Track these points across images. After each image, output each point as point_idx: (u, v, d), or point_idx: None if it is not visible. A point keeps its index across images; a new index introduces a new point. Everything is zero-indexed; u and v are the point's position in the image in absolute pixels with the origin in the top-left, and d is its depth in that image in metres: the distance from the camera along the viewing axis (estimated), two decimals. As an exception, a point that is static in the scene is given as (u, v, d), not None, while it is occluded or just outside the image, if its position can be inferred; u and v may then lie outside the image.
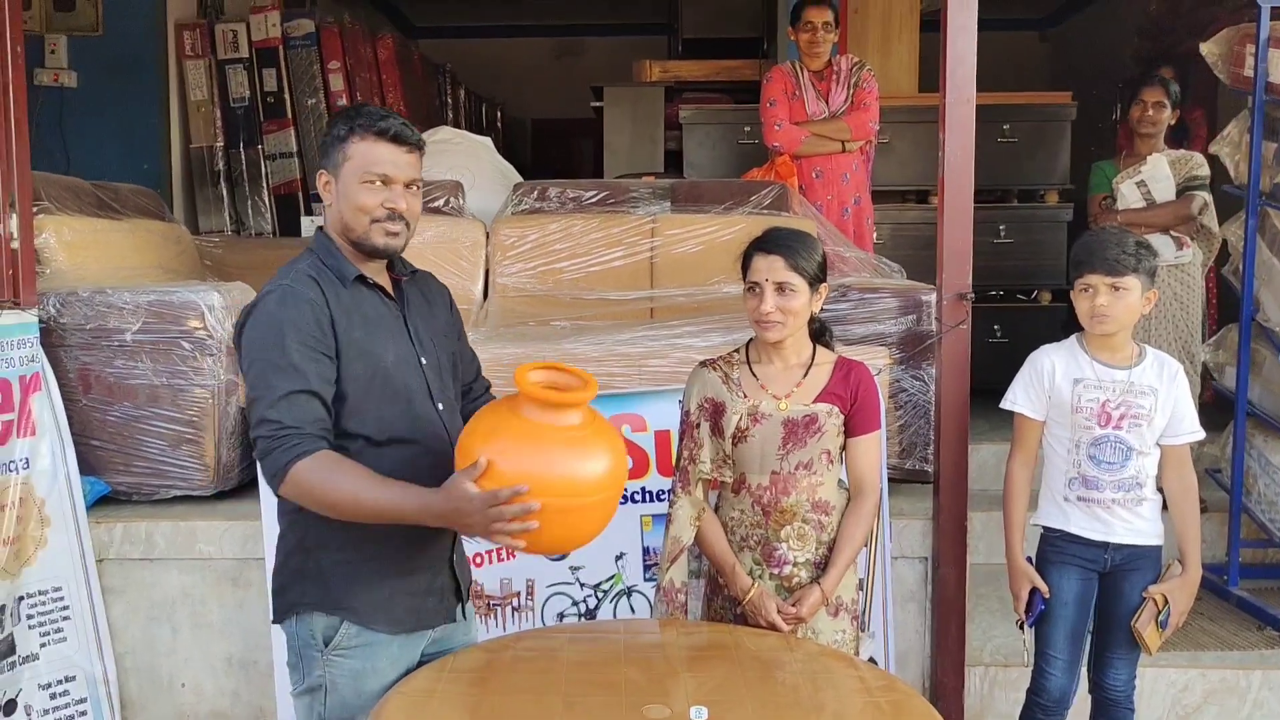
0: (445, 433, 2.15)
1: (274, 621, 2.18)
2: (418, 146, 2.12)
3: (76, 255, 3.90)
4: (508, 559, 3.22)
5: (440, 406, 2.17)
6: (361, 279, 2.11)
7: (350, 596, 2.08)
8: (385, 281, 2.18)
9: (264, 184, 6.78)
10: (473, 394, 2.40)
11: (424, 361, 2.16)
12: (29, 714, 3.14)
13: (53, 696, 3.18)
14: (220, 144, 6.72)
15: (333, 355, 2.02)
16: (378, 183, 2.06)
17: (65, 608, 3.23)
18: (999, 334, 5.44)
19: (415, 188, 2.13)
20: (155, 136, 6.49)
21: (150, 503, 3.49)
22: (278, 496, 2.01)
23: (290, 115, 6.80)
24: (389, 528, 2.01)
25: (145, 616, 3.39)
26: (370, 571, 2.09)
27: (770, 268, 2.40)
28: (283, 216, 6.78)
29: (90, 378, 3.46)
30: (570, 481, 1.91)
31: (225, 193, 6.74)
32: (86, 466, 3.41)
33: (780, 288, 2.39)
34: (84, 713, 3.23)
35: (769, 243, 2.43)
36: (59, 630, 3.21)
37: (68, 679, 3.22)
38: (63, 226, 3.90)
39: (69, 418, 3.35)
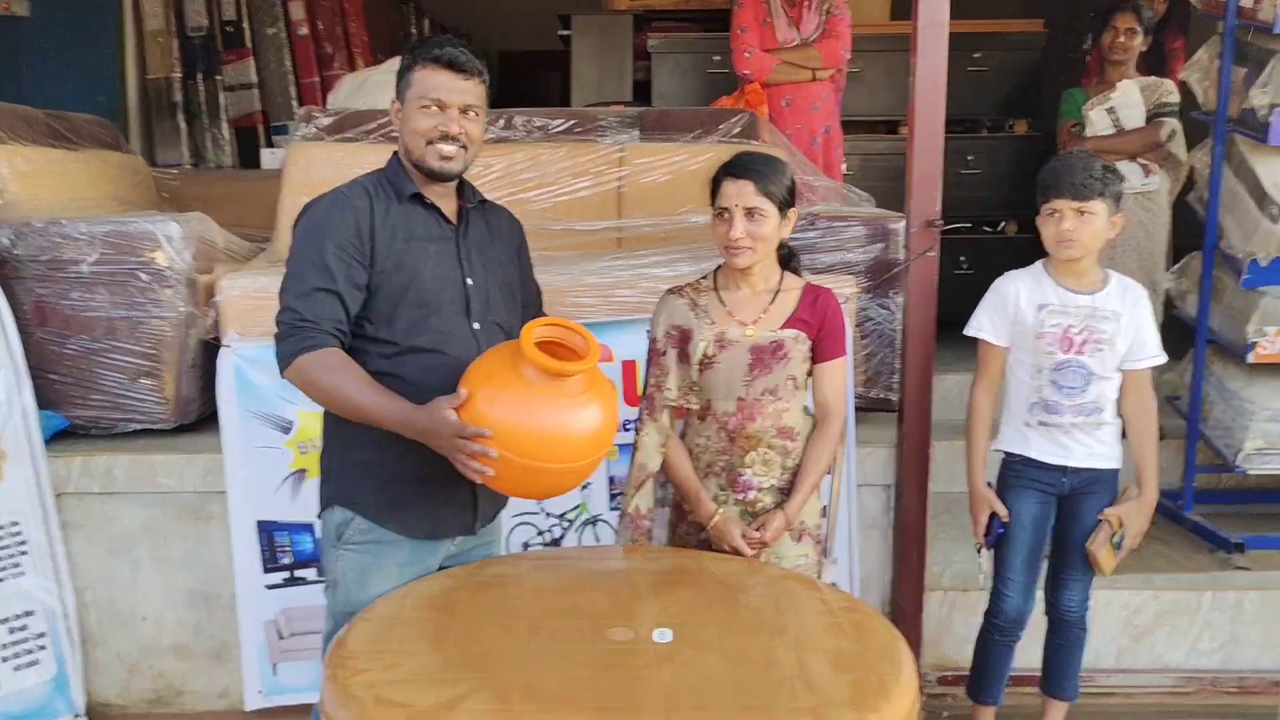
0: (477, 350, 2.21)
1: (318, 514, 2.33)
2: (475, 73, 2.21)
3: (30, 185, 3.81)
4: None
5: (476, 325, 2.24)
6: (418, 197, 2.23)
7: (362, 492, 2.22)
8: (449, 205, 2.29)
9: (223, 116, 6.64)
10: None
11: (469, 281, 2.25)
12: (-9, 647, 3.13)
13: (11, 631, 3.16)
14: (177, 75, 6.56)
15: (366, 262, 2.15)
16: (433, 107, 2.18)
17: (23, 542, 3.20)
18: (965, 265, 5.43)
19: (473, 113, 2.22)
20: (110, 67, 6.33)
21: (109, 436, 3.45)
22: (281, 376, 2.15)
23: (250, 45, 6.65)
24: (389, 438, 2.11)
25: (105, 550, 3.36)
26: (386, 473, 2.20)
27: (740, 193, 2.37)
28: (243, 149, 6.66)
29: (46, 310, 3.39)
30: (539, 445, 1.99)
31: (183, 125, 6.59)
32: (44, 400, 3.35)
33: (750, 213, 2.37)
34: (43, 646, 3.22)
35: (738, 167, 2.40)
36: (17, 565, 3.18)
37: (26, 613, 3.20)
38: (15, 156, 3.80)
39: (25, 351, 3.29)
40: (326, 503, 2.28)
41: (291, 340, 2.10)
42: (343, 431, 2.21)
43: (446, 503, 2.25)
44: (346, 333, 2.15)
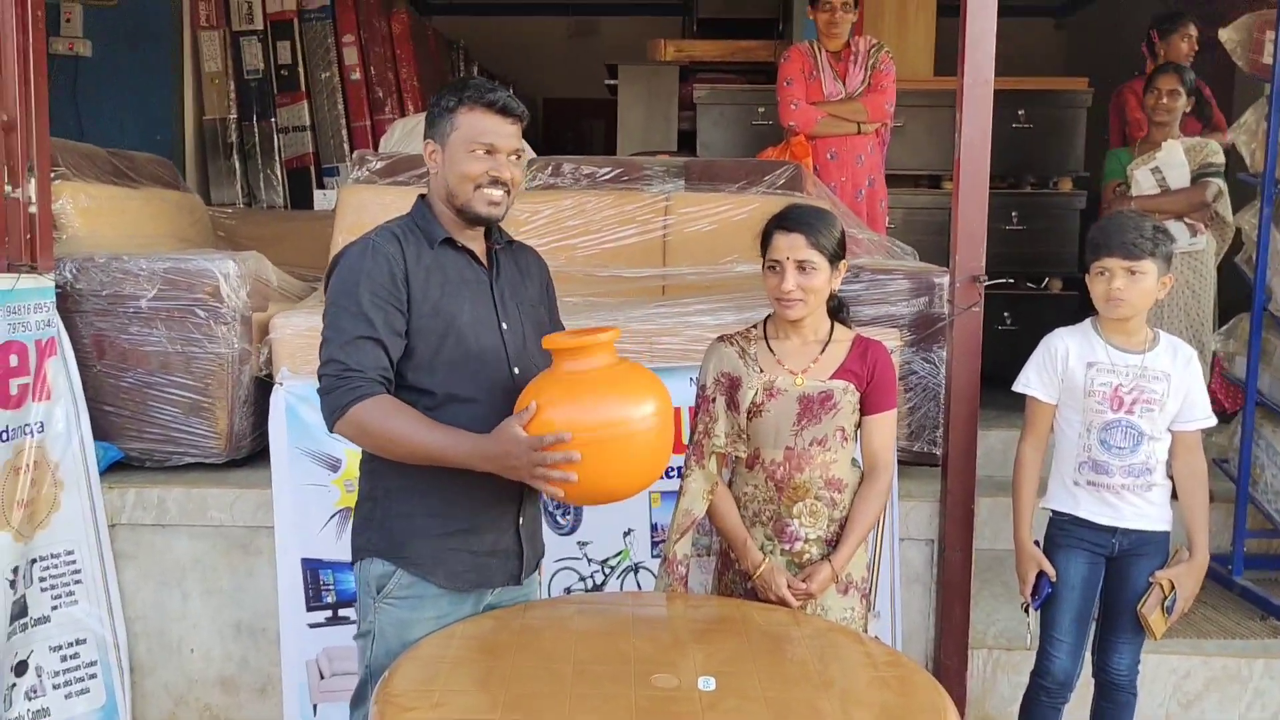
0: (517, 395, 2.20)
1: (351, 564, 2.30)
2: (521, 118, 2.21)
3: (92, 221, 3.92)
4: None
5: (516, 370, 2.23)
6: (449, 242, 2.20)
7: (408, 546, 2.18)
8: (479, 248, 2.26)
9: (276, 157, 6.78)
10: None
11: (504, 326, 2.24)
12: (40, 675, 3.18)
13: (64, 659, 3.21)
14: (233, 116, 6.73)
15: (403, 309, 2.12)
16: (482, 151, 2.15)
17: (77, 571, 3.26)
18: (1009, 321, 5.43)
19: (518, 157, 2.21)
20: (168, 107, 6.50)
21: (163, 469, 3.52)
22: (331, 431, 2.12)
23: (304, 88, 6.81)
24: (455, 486, 2.12)
25: (156, 581, 3.41)
26: (433, 526, 2.18)
27: (791, 246, 2.40)
28: (295, 190, 6.79)
29: (105, 343, 3.48)
30: (610, 416, 2.01)
31: (238, 165, 6.75)
32: (100, 432, 3.43)
33: (801, 266, 2.40)
34: (94, 675, 3.26)
35: (790, 220, 2.43)
36: (70, 593, 3.24)
37: (78, 641, 3.25)
38: (79, 193, 3.92)
39: (83, 383, 3.37)
40: (364, 553, 2.23)
41: (341, 391, 2.06)
42: (386, 482, 2.18)
43: (492, 553, 2.23)
44: (391, 380, 2.12)
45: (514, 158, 2.20)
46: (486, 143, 2.15)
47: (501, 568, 2.26)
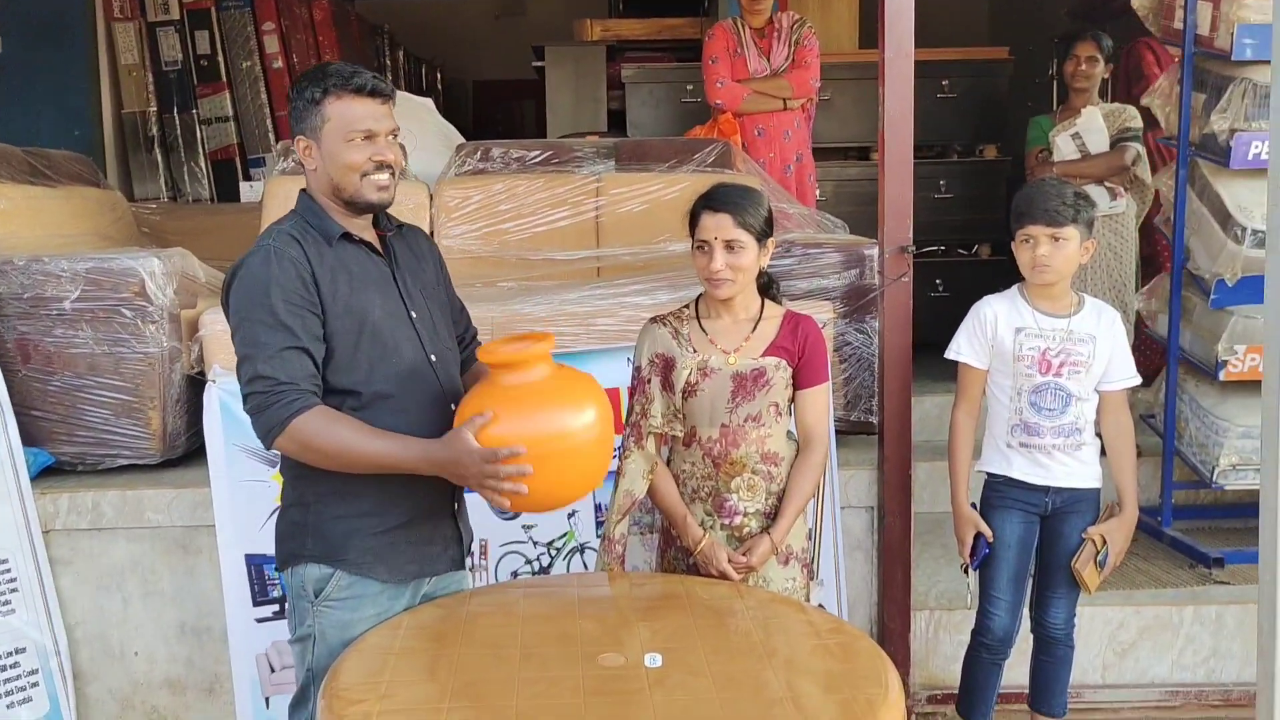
0: (439, 384, 2.21)
1: (276, 570, 2.27)
2: (391, 97, 2.15)
3: (10, 223, 3.83)
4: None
5: (433, 358, 2.22)
6: (347, 236, 2.15)
7: (347, 548, 2.14)
8: (372, 238, 2.22)
9: (200, 149, 6.67)
10: (464, 342, 2.44)
11: (413, 315, 2.21)
12: (-21, 687, 3.12)
13: (3, 669, 3.14)
14: (153, 109, 6.59)
15: (318, 312, 2.07)
16: (361, 138, 2.10)
17: (12, 580, 3.20)
18: (941, 288, 5.52)
19: (394, 137, 2.16)
20: (85, 102, 6.34)
21: (96, 472, 3.45)
22: (269, 448, 2.07)
23: (225, 78, 6.68)
24: (392, 483, 2.10)
25: (95, 586, 3.36)
26: (372, 524, 2.15)
27: (719, 226, 2.42)
28: (220, 182, 6.67)
29: (29, 347, 3.39)
30: (558, 428, 2.02)
31: (160, 159, 6.61)
32: (29, 437, 3.35)
33: (729, 245, 2.42)
34: (36, 684, 3.20)
35: (716, 200, 2.45)
36: (7, 603, 3.18)
37: (18, 651, 3.19)
38: (-6, 194, 3.81)
39: (9, 388, 3.30)
40: (297, 559, 2.16)
41: (276, 408, 2.00)
42: (317, 487, 2.13)
43: (431, 541, 2.23)
44: (320, 387, 2.07)
45: (391, 138, 2.15)
46: (364, 129, 2.10)
47: (442, 554, 2.27)
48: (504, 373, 2.07)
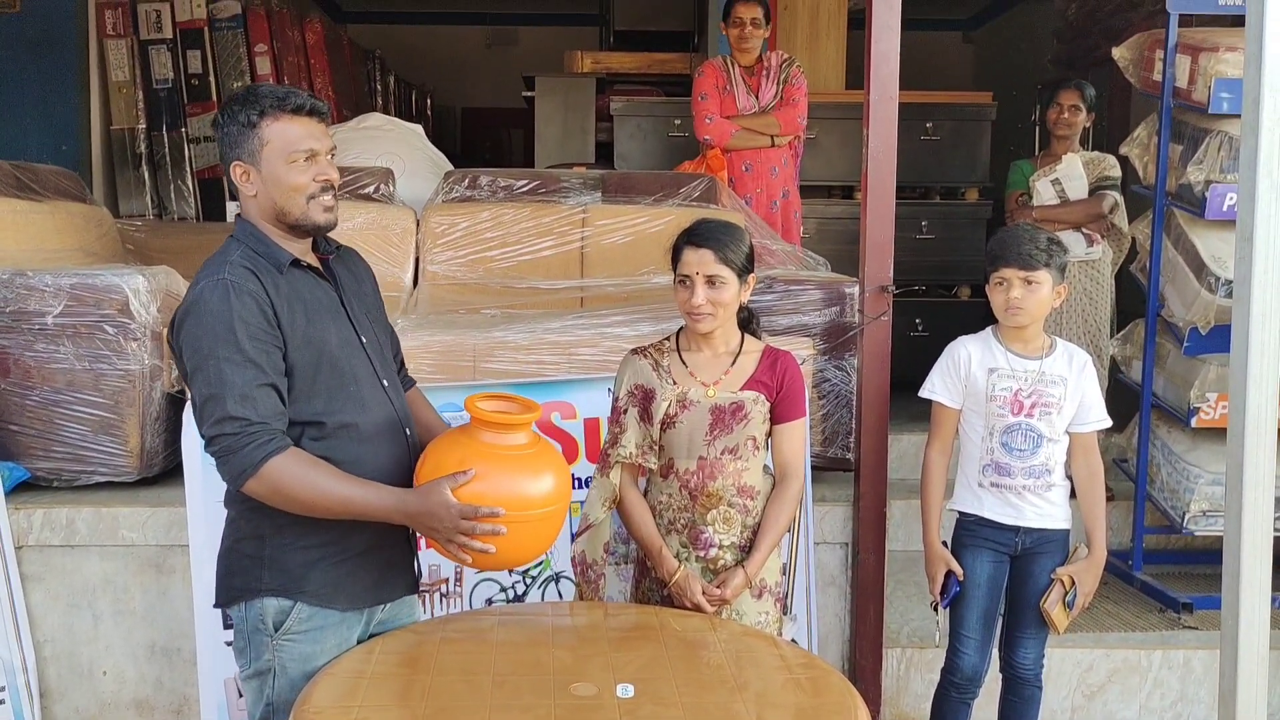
0: (394, 411, 2.19)
1: (218, 606, 2.18)
2: (326, 115, 2.12)
3: (-6, 237, 3.82)
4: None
5: (385, 383, 2.20)
6: (296, 263, 2.11)
7: (308, 580, 2.10)
8: (314, 261, 2.17)
9: (187, 168, 6.67)
10: (398, 367, 2.40)
11: (364, 340, 2.18)
12: (-56, 703, 3.09)
13: (-31, 685, 3.13)
14: (142, 126, 6.60)
15: (280, 345, 2.02)
16: (303, 159, 2.06)
17: (-18, 595, 3.18)
18: (920, 328, 5.57)
19: (332, 155, 2.13)
20: (74, 117, 6.35)
21: (72, 489, 3.44)
22: (238, 491, 2.02)
23: (215, 98, 6.70)
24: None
25: (66, 604, 3.34)
26: (332, 554, 2.11)
27: (700, 261, 2.45)
28: (207, 201, 6.68)
29: (9, 361, 3.39)
30: (534, 498, 2.04)
31: (147, 176, 6.61)
32: (5, 452, 3.35)
33: (710, 280, 2.45)
34: (1, 701, 3.18)
35: (698, 236, 2.48)
36: (-24, 618, 3.16)
37: (-16, 667, 3.17)
38: (-21, 207, 3.82)
39: (-13, 402, 3.29)
40: (251, 594, 2.10)
41: (250, 449, 1.94)
42: (275, 519, 2.06)
43: (389, 566, 2.21)
44: (287, 425, 2.03)
45: (330, 157, 2.11)
46: (305, 149, 2.05)
47: (398, 580, 2.26)
48: (487, 430, 2.05)
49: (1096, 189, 4.45)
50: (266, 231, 2.10)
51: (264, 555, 2.10)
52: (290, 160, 2.05)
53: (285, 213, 2.08)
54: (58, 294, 3.39)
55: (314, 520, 2.06)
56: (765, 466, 2.60)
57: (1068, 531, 2.92)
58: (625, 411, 2.55)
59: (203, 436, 2.01)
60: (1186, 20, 3.98)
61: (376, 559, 2.17)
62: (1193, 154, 3.79)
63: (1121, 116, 6.24)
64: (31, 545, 3.32)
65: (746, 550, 2.53)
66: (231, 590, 2.14)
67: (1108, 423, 2.92)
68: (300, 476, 1.98)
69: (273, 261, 2.08)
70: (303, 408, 2.07)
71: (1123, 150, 4.26)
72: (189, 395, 2.07)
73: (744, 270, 2.49)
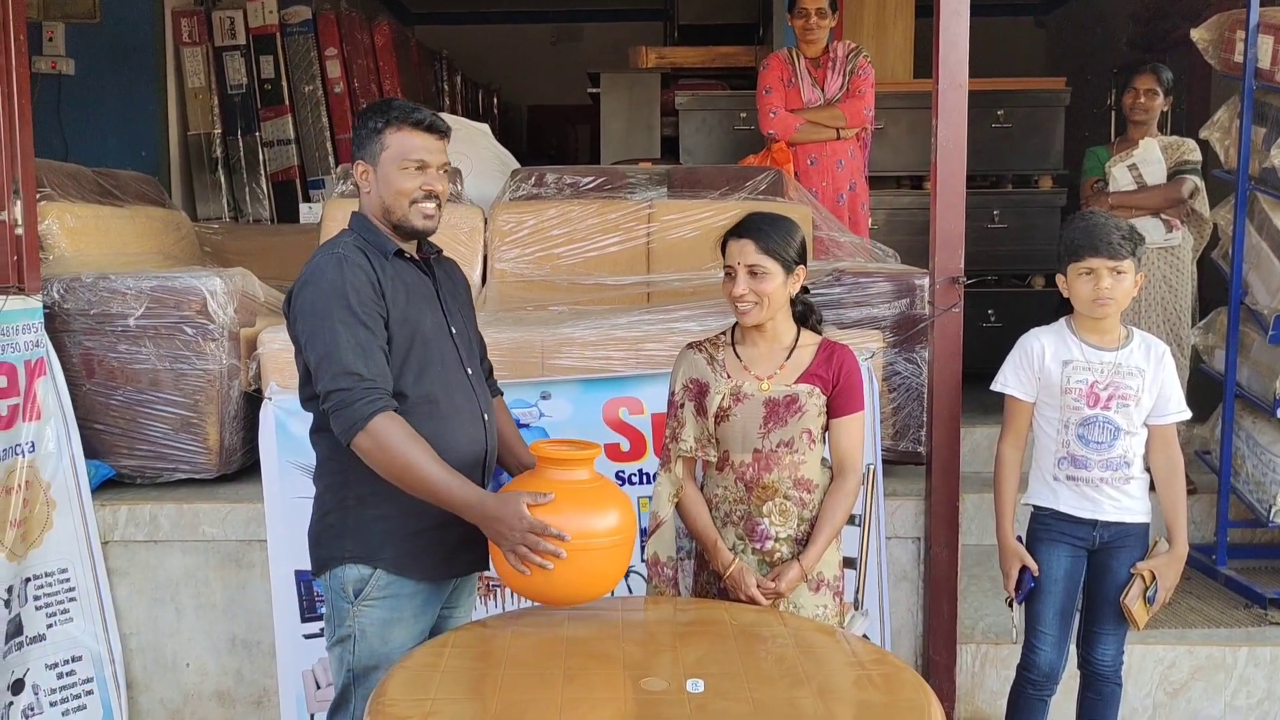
0: (475, 397, 2.34)
1: (312, 577, 2.36)
2: (447, 134, 2.33)
3: (79, 241, 3.94)
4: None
5: (469, 372, 2.36)
6: (400, 253, 2.31)
7: (386, 548, 2.25)
8: (416, 256, 2.37)
9: (262, 171, 6.81)
10: (486, 374, 2.56)
11: (453, 330, 2.37)
12: (37, 693, 3.20)
13: (60, 676, 3.23)
14: (218, 131, 6.76)
15: (384, 316, 2.20)
16: (414, 168, 2.26)
17: (71, 589, 3.28)
18: (993, 319, 5.48)
19: (444, 171, 2.33)
20: (152, 124, 6.52)
21: (154, 485, 3.54)
22: (348, 445, 2.15)
23: (288, 102, 6.83)
24: None
25: (150, 597, 3.44)
26: (409, 524, 2.25)
27: (741, 251, 2.46)
28: (280, 203, 6.82)
29: (94, 362, 3.50)
30: (588, 527, 2.14)
31: (223, 180, 6.77)
32: (91, 450, 3.46)
33: (752, 270, 2.45)
34: (90, 691, 3.28)
35: (740, 227, 2.50)
36: (65, 611, 3.26)
37: (74, 659, 3.27)
38: (65, 213, 3.93)
39: (73, 402, 3.40)
40: (336, 562, 2.27)
41: (362, 404, 2.10)
42: (358, 490, 2.24)
43: (460, 541, 2.29)
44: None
45: (442, 171, 2.31)
46: (418, 159, 2.26)
47: (470, 557, 2.34)
48: (554, 468, 2.18)
49: (1175, 174, 4.34)
50: (376, 225, 2.31)
51: (347, 524, 2.26)
52: (402, 166, 2.26)
53: (390, 211, 2.29)
54: (139, 296, 3.49)
55: (394, 492, 2.17)
56: (823, 459, 2.58)
57: (1148, 525, 2.85)
58: (681, 406, 2.55)
59: (319, 394, 2.17)
60: (1267, 0, 3.85)
61: (447, 535, 2.27)
62: (1276, 137, 3.68)
63: (1201, 100, 6.06)
64: (117, 541, 3.42)
65: (803, 543, 2.51)
66: (319, 560, 2.31)
67: (1187, 414, 2.84)
68: (401, 441, 2.12)
69: (380, 249, 2.28)
70: (393, 381, 2.20)
71: (1203, 134, 4.14)
72: (300, 364, 2.25)
73: (791, 262, 2.47)
